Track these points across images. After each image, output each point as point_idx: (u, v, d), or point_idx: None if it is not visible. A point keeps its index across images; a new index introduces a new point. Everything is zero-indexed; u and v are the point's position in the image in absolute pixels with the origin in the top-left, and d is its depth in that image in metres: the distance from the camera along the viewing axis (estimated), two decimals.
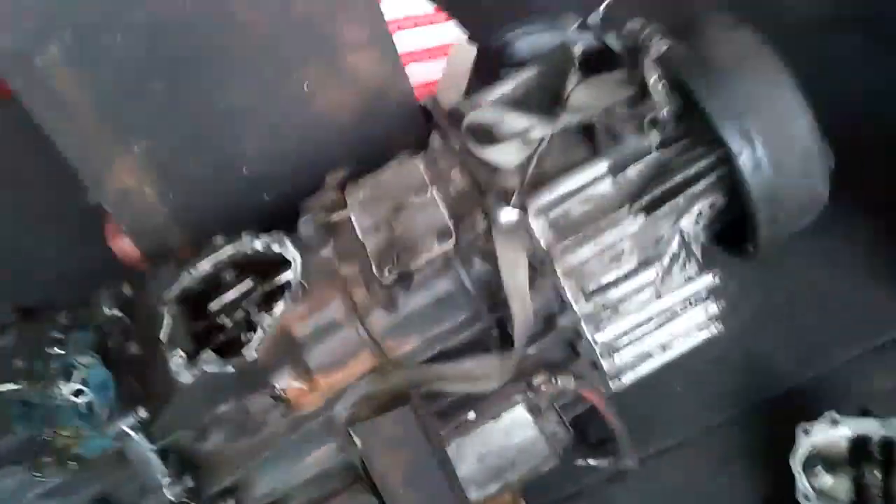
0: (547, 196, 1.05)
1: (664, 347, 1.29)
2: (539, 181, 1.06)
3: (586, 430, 1.38)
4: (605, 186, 1.07)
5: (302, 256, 1.12)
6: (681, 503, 1.47)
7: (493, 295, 1.08)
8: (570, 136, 1.09)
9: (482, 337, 1.12)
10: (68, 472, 1.04)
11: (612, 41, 1.13)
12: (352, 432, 1.04)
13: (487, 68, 1.54)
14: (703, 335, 1.30)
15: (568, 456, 1.37)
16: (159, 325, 1.14)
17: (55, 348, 1.12)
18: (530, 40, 1.48)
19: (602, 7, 1.31)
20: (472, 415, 1.19)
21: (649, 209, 1.11)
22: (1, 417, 1.07)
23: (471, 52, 1.59)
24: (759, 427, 1.51)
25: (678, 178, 1.12)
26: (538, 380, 1.13)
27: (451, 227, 1.07)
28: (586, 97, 1.09)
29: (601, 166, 1.06)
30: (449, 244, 1.06)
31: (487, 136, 1.11)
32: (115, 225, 1.40)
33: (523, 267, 1.02)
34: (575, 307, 1.11)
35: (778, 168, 1.05)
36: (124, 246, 1.42)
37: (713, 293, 1.24)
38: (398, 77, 1.30)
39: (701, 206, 1.16)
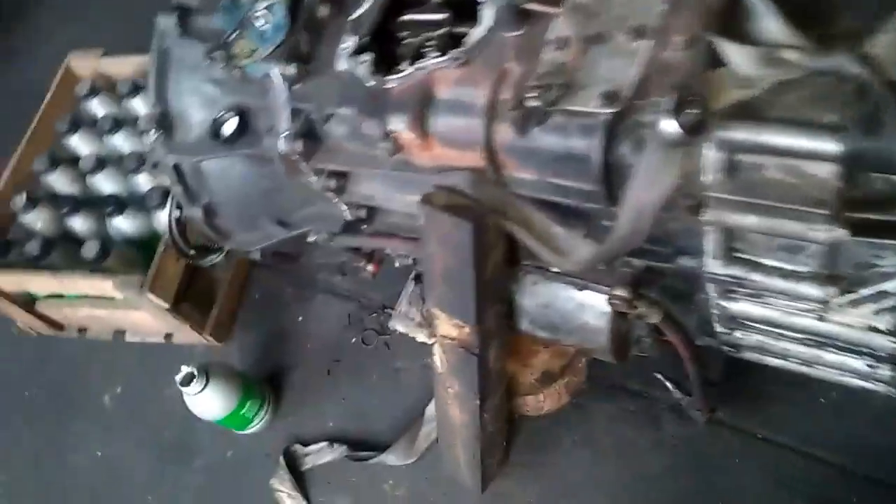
0: (745, 135, 0.81)
1: (806, 363, 1.08)
2: (750, 112, 0.81)
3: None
4: (825, 171, 0.79)
5: (491, 27, 1.02)
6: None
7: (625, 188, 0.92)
8: (831, 84, 0.78)
9: (590, 217, 0.99)
10: (228, 73, 1.17)
11: None
12: (420, 210, 1.05)
13: None
14: (862, 384, 1.06)
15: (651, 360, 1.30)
16: (359, 3, 1.14)
17: None
18: None
19: None
20: (556, 269, 1.14)
21: (862, 230, 0.82)
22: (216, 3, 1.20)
23: None
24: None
25: None
26: (617, 293, 1.02)
27: (626, 96, 0.88)
28: None
29: (835, 148, 0.77)
30: (608, 110, 0.88)
31: (747, 16, 0.83)
32: None
33: (662, 185, 0.84)
34: (708, 263, 0.93)
35: None
36: None
37: None
38: None
39: None
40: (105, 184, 1.79)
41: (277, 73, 1.13)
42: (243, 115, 1.22)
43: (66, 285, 1.61)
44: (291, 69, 1.11)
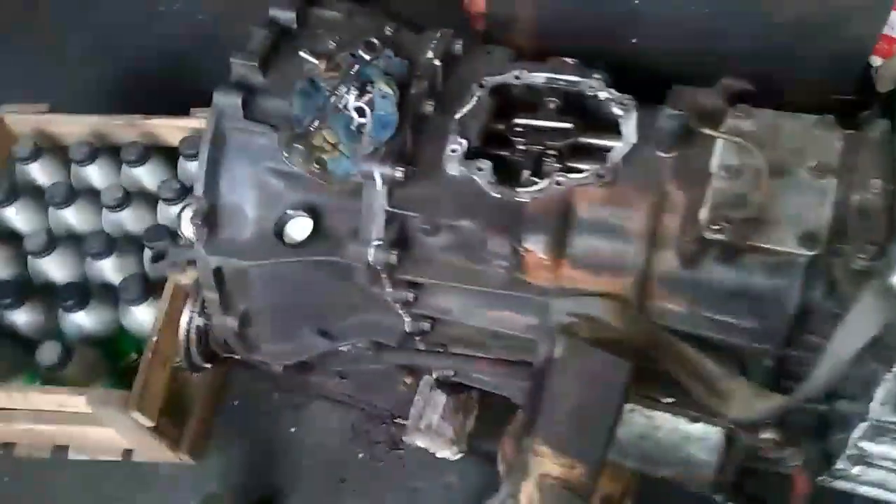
0: None
1: None
2: None
3: (745, 478, 1.23)
4: None
5: (635, 144, 0.94)
6: None
7: (804, 330, 0.86)
8: None
9: (753, 357, 0.93)
10: (304, 167, 1.00)
11: None
12: (559, 340, 0.93)
13: None
14: None
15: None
16: (462, 101, 1.03)
17: (366, 53, 1.04)
18: None
19: None
20: (669, 399, 1.05)
21: None
22: (286, 84, 1.03)
23: None
24: None
25: None
26: (765, 436, 0.95)
27: (824, 238, 0.83)
28: None
29: None
30: (807, 253, 0.83)
31: None
32: None
33: (866, 334, 0.78)
34: (875, 409, 0.88)
35: None
36: None
37: None
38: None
39: None
40: (55, 269, 1.49)
41: (377, 173, 0.97)
42: (316, 216, 1.04)
43: (16, 400, 1.29)
44: (397, 171, 0.96)
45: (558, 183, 0.94)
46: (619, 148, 0.95)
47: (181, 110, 1.63)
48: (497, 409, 1.30)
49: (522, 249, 0.94)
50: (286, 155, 0.99)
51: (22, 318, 1.42)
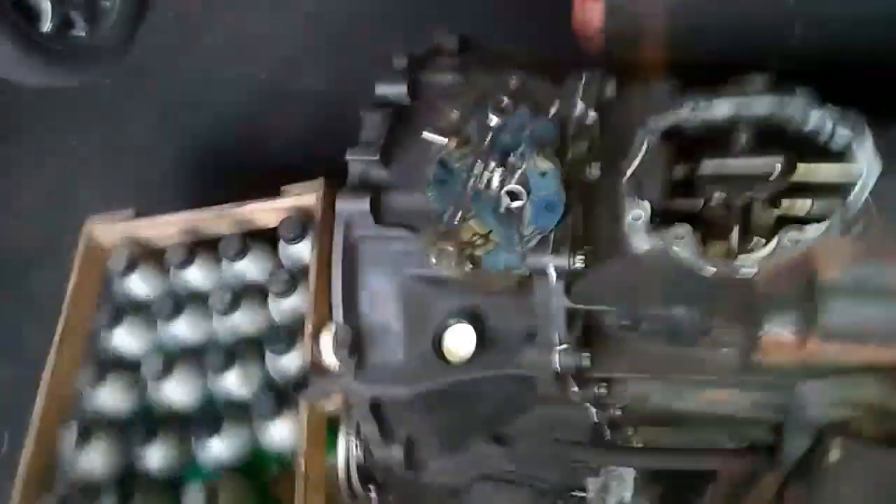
0: None
1: None
2: None
3: None
4: None
5: (883, 171, 0.73)
6: None
7: None
8: None
9: None
10: (460, 271, 0.83)
11: None
12: (831, 440, 0.72)
13: None
14: None
15: None
16: (627, 153, 0.83)
17: (497, 117, 0.86)
18: None
19: None
20: None
21: None
22: (415, 174, 0.86)
23: None
24: None
25: None
26: None
27: None
28: None
29: None
30: None
31: None
32: None
33: None
34: None
35: None
36: (590, 10, 1.07)
37: None
38: None
39: None
40: (176, 392, 1.37)
41: (550, 266, 0.79)
42: (478, 321, 0.87)
43: None
44: (576, 261, 0.78)
45: (790, 241, 0.73)
46: (860, 183, 0.74)
47: (262, 182, 1.49)
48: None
49: (762, 332, 0.74)
50: (432, 259, 0.82)
51: (154, 456, 1.31)
